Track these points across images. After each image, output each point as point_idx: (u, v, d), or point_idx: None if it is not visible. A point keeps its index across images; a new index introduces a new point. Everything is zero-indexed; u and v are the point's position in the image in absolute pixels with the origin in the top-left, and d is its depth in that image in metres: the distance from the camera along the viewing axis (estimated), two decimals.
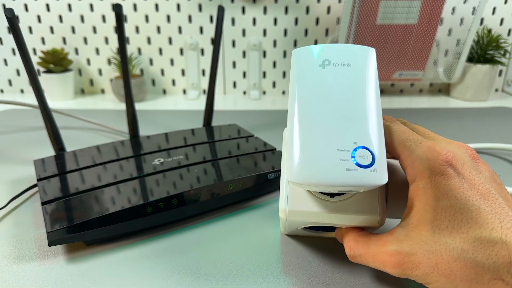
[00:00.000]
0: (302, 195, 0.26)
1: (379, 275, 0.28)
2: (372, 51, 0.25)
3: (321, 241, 0.31)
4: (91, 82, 0.85)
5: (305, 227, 0.29)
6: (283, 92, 0.86)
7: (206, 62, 0.82)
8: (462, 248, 0.20)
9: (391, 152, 0.25)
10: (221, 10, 0.48)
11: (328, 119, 0.23)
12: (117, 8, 0.41)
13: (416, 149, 0.23)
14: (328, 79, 0.24)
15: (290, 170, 0.22)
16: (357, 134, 0.22)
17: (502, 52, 0.77)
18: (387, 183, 0.27)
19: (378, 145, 0.22)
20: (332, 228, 0.29)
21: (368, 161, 0.22)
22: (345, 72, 0.24)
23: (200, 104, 0.77)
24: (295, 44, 0.81)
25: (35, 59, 0.79)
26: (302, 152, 0.22)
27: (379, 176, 0.22)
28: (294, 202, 0.26)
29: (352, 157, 0.22)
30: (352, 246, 0.25)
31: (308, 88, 0.24)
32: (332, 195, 0.26)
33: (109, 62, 0.83)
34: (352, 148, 0.22)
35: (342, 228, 0.27)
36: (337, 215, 0.26)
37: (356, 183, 0.21)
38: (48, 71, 0.77)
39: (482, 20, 0.80)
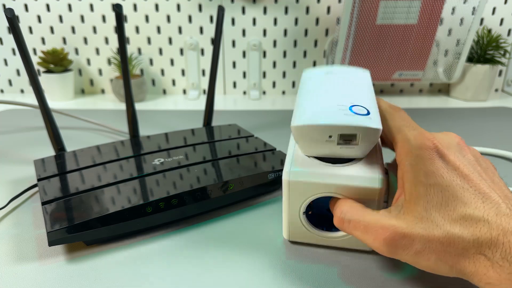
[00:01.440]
0: (306, 161, 0.28)
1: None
2: (367, 71, 0.33)
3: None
4: (91, 82, 0.85)
5: (306, 217, 0.29)
6: (283, 92, 0.86)
7: (206, 62, 0.82)
8: (450, 225, 0.21)
9: (389, 135, 0.26)
10: (221, 10, 0.48)
11: (329, 93, 0.28)
12: (117, 8, 0.41)
13: (408, 133, 0.25)
14: (331, 78, 0.31)
15: (295, 118, 0.26)
16: (354, 99, 0.27)
17: (502, 52, 0.77)
18: (388, 192, 0.28)
19: (372, 107, 0.26)
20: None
21: (364, 112, 0.26)
22: (345, 75, 0.31)
23: (200, 104, 0.77)
24: (295, 44, 0.81)
25: (35, 59, 0.79)
26: (307, 106, 0.27)
27: (375, 123, 0.25)
28: (297, 165, 0.28)
29: (350, 109, 0.26)
30: (345, 210, 0.25)
31: (314, 83, 0.30)
32: (333, 162, 0.27)
33: (109, 62, 0.83)
34: (350, 105, 0.26)
35: (338, 197, 0.27)
36: (339, 176, 0.26)
37: (354, 124, 0.25)
38: (48, 71, 0.77)
39: (482, 20, 0.80)
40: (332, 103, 0.26)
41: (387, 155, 0.30)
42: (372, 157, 0.28)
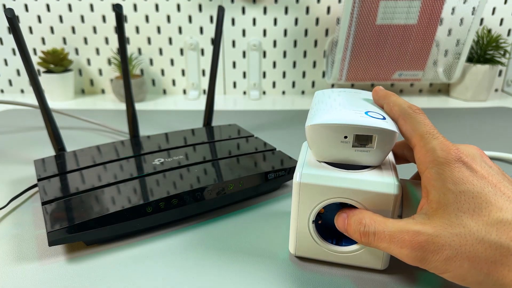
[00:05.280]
0: (318, 166, 0.27)
1: None
2: None
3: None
4: (91, 82, 0.85)
5: (315, 227, 0.28)
6: (283, 92, 0.86)
7: (206, 62, 0.82)
8: (486, 230, 0.20)
9: (409, 140, 0.25)
10: (221, 10, 0.48)
11: (344, 103, 0.28)
12: (117, 8, 0.41)
13: (432, 141, 0.24)
14: (343, 93, 0.31)
15: (310, 119, 0.26)
16: (369, 108, 0.27)
17: (502, 52, 0.77)
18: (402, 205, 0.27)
19: (387, 116, 0.26)
20: (347, 241, 0.28)
21: (380, 117, 0.26)
22: (357, 93, 0.31)
23: (200, 104, 0.77)
24: (295, 44, 0.81)
25: (35, 59, 0.79)
26: (323, 109, 0.27)
27: (390, 126, 0.25)
28: (309, 168, 0.27)
29: (366, 113, 0.26)
30: (368, 222, 0.24)
31: (328, 96, 0.30)
32: (347, 169, 0.27)
33: (109, 62, 0.83)
34: (365, 111, 0.26)
35: (346, 213, 0.26)
36: (353, 180, 0.26)
37: (371, 124, 0.25)
38: (48, 71, 0.77)
39: (482, 20, 0.80)
40: (347, 109, 0.26)
41: (401, 170, 0.30)
42: (386, 166, 0.27)
